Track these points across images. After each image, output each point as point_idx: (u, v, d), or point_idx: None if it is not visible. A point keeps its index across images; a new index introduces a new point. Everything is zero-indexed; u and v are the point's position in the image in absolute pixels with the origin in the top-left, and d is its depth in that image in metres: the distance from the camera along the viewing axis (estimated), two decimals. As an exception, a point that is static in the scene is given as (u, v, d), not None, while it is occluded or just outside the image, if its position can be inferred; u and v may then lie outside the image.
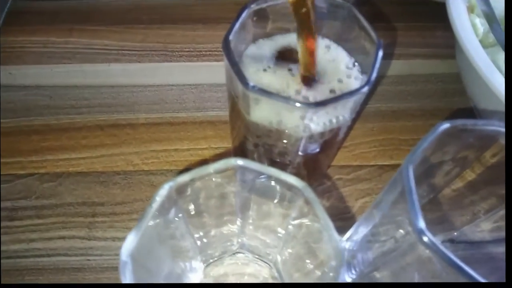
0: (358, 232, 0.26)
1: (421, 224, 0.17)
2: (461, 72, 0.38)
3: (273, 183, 0.19)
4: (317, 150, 0.26)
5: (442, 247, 0.16)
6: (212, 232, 0.25)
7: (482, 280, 0.16)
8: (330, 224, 0.18)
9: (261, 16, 0.25)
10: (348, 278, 0.26)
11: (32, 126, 0.38)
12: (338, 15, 0.25)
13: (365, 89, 0.21)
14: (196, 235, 0.24)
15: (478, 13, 0.37)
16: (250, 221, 0.25)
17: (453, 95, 0.41)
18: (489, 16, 0.35)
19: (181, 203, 0.20)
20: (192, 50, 0.44)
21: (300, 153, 0.26)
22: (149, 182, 0.35)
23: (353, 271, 0.26)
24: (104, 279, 0.31)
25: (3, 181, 0.35)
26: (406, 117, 0.39)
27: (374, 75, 0.21)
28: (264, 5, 0.24)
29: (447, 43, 0.41)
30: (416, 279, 0.20)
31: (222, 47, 0.22)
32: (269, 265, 0.28)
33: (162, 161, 0.37)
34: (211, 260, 0.29)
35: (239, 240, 0.27)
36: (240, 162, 0.19)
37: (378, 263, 0.23)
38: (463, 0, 0.35)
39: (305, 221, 0.20)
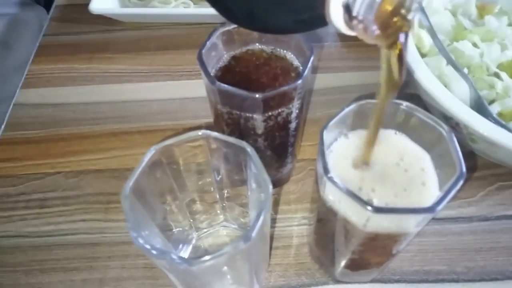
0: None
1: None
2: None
3: (229, 147, 0.26)
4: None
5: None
6: (197, 201, 0.32)
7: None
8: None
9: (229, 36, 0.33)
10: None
11: (59, 135, 0.47)
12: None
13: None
14: (183, 201, 0.31)
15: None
16: (225, 191, 0.32)
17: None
18: (431, 31, 0.42)
19: (166, 167, 0.27)
20: (191, 70, 0.52)
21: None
22: (154, 176, 0.43)
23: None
24: (117, 251, 0.38)
25: (35, 178, 0.43)
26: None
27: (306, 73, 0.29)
28: (230, 28, 0.32)
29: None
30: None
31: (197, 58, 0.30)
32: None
33: (165, 159, 0.44)
34: (203, 232, 0.36)
35: (222, 210, 0.34)
36: (208, 132, 0.26)
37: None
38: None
39: (256, 179, 0.26)
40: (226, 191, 0.33)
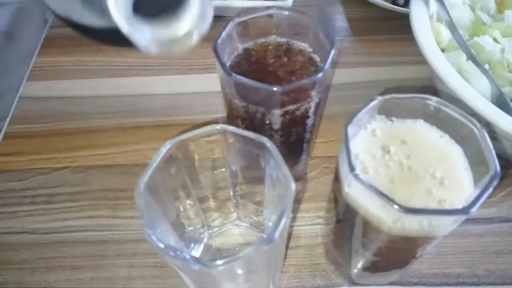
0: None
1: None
2: (431, 75, 0.44)
3: (247, 143, 0.25)
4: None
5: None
6: (211, 198, 0.31)
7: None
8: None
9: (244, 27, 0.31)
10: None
11: (66, 129, 0.45)
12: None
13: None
14: (196, 198, 0.30)
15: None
16: (239, 188, 0.31)
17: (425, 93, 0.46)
18: (450, 25, 0.41)
19: (180, 162, 0.26)
20: (200, 64, 0.51)
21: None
22: (163, 172, 0.41)
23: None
24: (125, 249, 0.36)
25: (42, 172, 0.42)
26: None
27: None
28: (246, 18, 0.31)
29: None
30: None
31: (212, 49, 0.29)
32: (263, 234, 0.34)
33: (175, 155, 0.43)
34: (215, 230, 0.35)
35: (235, 208, 0.33)
36: (225, 126, 0.25)
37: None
38: (425, 11, 0.41)
39: (275, 175, 0.25)
40: (240, 188, 0.31)
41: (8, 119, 0.46)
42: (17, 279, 0.35)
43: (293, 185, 0.22)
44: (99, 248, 0.37)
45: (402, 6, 0.52)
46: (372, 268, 0.31)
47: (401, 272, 0.33)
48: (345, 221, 0.28)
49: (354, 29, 0.55)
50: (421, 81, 0.47)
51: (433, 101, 0.25)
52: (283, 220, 0.21)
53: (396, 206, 0.21)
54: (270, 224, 0.32)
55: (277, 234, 0.21)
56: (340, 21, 0.56)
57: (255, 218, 0.34)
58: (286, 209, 0.21)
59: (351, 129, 0.25)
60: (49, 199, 0.40)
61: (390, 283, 0.34)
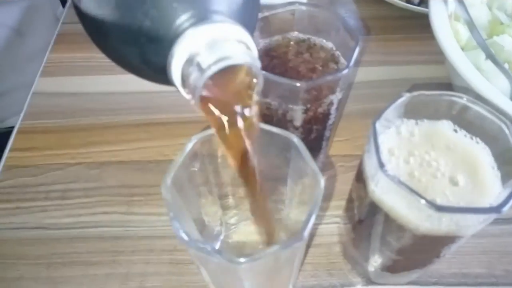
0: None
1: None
2: (450, 73, 0.43)
3: (271, 138, 0.24)
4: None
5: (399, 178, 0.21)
6: (230, 195, 0.31)
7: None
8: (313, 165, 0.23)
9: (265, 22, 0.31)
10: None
11: (79, 125, 0.45)
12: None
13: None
14: (217, 194, 0.29)
15: (463, 22, 0.42)
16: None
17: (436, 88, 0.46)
18: (470, 24, 0.40)
19: (204, 158, 0.25)
20: (214, 61, 0.51)
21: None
22: (178, 169, 0.41)
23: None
24: (140, 245, 0.36)
25: (56, 168, 0.41)
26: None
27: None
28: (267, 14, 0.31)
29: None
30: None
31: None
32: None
33: (189, 152, 0.43)
34: (231, 227, 0.34)
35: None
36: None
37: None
38: (444, 10, 0.40)
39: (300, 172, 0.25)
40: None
41: (22, 115, 0.46)
42: (33, 274, 0.35)
43: (322, 181, 0.22)
44: (114, 244, 0.36)
45: (417, 5, 0.52)
46: (392, 267, 0.31)
47: (421, 272, 0.32)
48: (368, 220, 0.28)
49: (367, 27, 0.54)
50: (437, 80, 0.47)
51: (462, 98, 0.25)
52: (313, 217, 0.21)
53: (427, 204, 0.21)
54: (290, 222, 0.32)
55: (307, 231, 0.21)
56: (353, 19, 0.56)
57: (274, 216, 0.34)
58: (316, 205, 0.21)
59: (378, 126, 0.24)
60: (63, 195, 0.39)
61: (408, 283, 0.34)
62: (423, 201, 0.21)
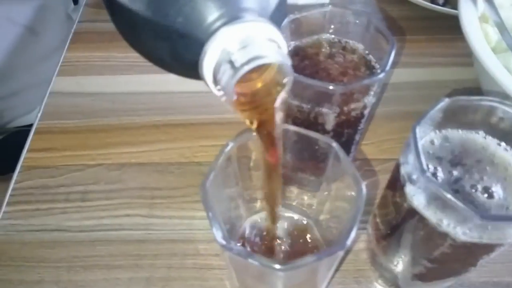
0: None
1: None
2: (479, 76, 0.42)
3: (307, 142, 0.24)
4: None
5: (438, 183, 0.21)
6: (258, 199, 0.30)
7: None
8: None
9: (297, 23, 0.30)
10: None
11: (98, 126, 0.45)
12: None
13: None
14: (245, 198, 0.29)
15: (492, 23, 0.41)
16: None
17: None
18: (500, 26, 0.39)
19: (239, 161, 0.25)
20: (234, 62, 0.50)
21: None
22: (199, 171, 0.41)
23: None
24: (163, 249, 0.35)
25: (76, 170, 0.41)
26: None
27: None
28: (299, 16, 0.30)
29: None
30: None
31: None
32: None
33: (210, 154, 0.42)
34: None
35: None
36: (288, 126, 0.24)
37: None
38: (474, 12, 0.40)
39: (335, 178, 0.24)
40: (290, 191, 0.30)
41: (39, 114, 0.46)
42: (54, 277, 0.34)
43: (364, 188, 0.21)
44: (137, 247, 0.36)
45: (442, 6, 0.51)
46: (424, 276, 0.30)
47: (454, 281, 0.32)
48: (402, 227, 0.27)
49: (391, 28, 0.53)
50: (463, 83, 0.46)
51: (504, 104, 0.24)
52: (356, 224, 0.20)
53: (472, 212, 0.20)
54: (319, 226, 0.31)
55: (350, 239, 0.20)
56: (376, 20, 0.55)
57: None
58: (358, 212, 0.20)
59: (418, 131, 0.24)
60: (84, 197, 0.39)
61: (439, 292, 0.33)
62: (467, 209, 0.20)
